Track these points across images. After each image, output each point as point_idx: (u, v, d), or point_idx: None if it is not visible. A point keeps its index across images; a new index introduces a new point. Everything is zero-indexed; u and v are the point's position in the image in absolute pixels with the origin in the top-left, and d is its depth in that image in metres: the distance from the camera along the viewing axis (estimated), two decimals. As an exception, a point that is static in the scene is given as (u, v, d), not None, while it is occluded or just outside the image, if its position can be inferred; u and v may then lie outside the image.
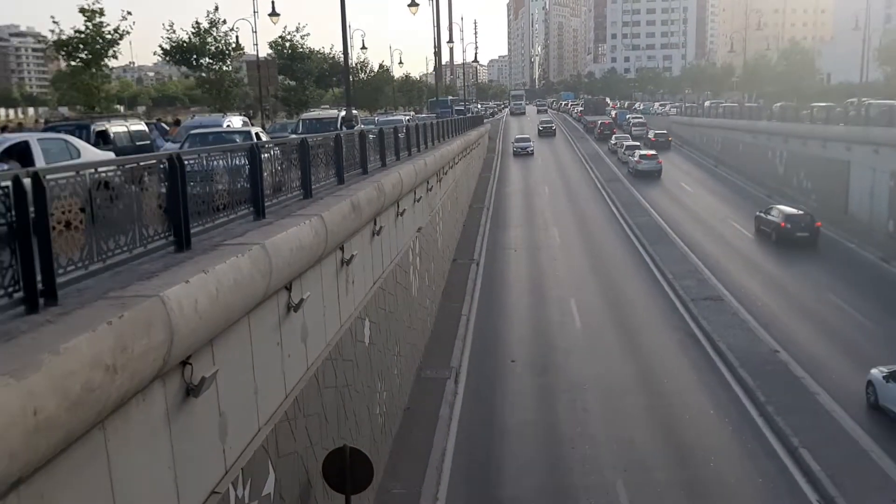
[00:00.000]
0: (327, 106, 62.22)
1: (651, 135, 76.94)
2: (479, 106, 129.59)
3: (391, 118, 47.27)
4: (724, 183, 55.93)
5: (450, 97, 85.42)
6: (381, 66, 78.90)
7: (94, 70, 27.53)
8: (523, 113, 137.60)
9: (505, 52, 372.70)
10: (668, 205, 47.67)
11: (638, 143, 68.58)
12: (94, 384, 5.18)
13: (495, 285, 31.93)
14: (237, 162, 9.95)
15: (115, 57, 27.86)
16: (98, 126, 19.18)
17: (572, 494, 16.25)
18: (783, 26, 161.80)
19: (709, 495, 16.01)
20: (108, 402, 5.42)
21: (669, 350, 24.16)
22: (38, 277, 5.69)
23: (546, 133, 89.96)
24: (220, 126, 24.49)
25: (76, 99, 31.47)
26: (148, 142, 21.05)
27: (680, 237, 38.60)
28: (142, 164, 7.57)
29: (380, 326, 16.61)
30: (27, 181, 5.60)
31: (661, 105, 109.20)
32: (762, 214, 38.69)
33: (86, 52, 27.12)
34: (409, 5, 41.67)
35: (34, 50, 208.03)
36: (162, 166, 7.79)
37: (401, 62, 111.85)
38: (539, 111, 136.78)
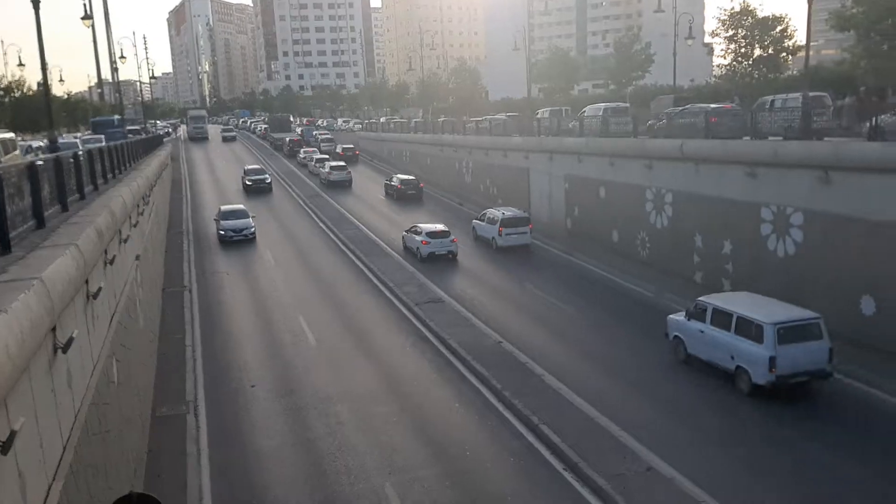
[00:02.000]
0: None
1: (339, 149, 79.60)
2: (161, 124, 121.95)
3: (64, 141, 42.72)
4: (438, 203, 58.93)
5: (116, 116, 79.21)
6: (39, 84, 70.96)
7: None
8: (206, 138, 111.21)
9: (168, 68, 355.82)
10: (372, 216, 49.32)
11: (327, 156, 71.36)
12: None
13: (215, 312, 30.45)
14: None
15: None
16: None
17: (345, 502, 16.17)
18: (443, 47, 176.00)
19: (471, 482, 16.88)
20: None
21: (406, 353, 25.02)
22: None
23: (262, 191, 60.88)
24: None
25: None
26: None
27: (391, 247, 40.06)
28: None
29: (123, 365, 15.04)
30: None
31: (344, 122, 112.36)
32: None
33: None
34: (82, 18, 38.26)
35: None
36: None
37: (62, 80, 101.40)
38: (226, 137, 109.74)
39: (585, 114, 43.27)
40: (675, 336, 23.02)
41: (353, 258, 38.52)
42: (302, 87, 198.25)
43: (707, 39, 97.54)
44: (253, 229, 42.82)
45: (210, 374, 23.85)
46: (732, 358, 20.65)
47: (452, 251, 37.25)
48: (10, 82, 59.79)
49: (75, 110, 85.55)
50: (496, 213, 39.71)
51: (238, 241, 42.26)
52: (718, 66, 59.88)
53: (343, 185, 62.36)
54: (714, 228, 29.03)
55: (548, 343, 25.37)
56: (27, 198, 10.85)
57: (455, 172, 57.33)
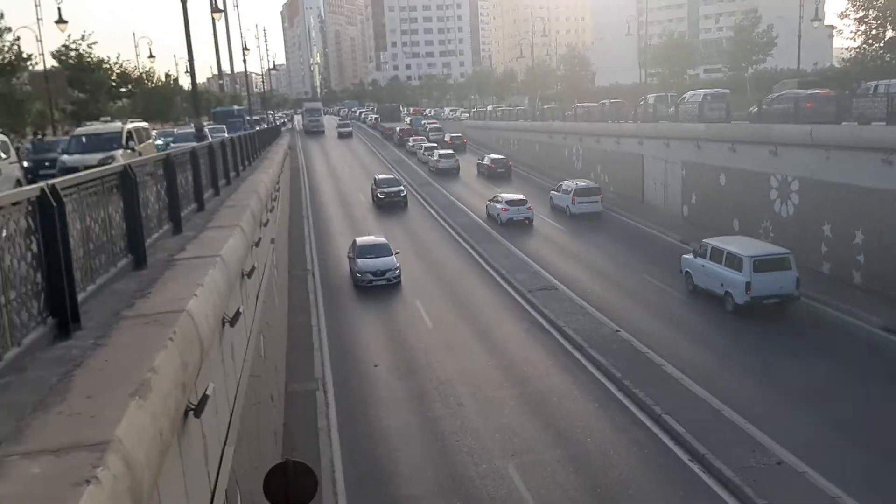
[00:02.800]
0: (108, 119, 57.82)
1: (447, 138, 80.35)
2: (280, 114, 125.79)
3: (192, 130, 44.96)
4: (526, 181, 59.32)
5: (236, 106, 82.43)
6: (167, 75, 75.00)
7: None
8: (322, 132, 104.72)
9: (282, 60, 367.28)
10: (481, 204, 49.65)
11: (436, 145, 72.22)
12: (178, 403, 4.75)
13: (336, 295, 31.58)
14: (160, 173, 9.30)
15: None
16: None
17: (468, 484, 16.61)
18: (550, 33, 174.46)
19: (594, 468, 17.01)
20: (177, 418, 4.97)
21: (521, 339, 25.28)
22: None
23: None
24: None
25: None
26: None
27: (501, 235, 40.30)
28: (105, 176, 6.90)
29: (265, 340, 15.99)
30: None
31: (451, 110, 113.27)
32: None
33: None
34: (212, 11, 40.19)
35: None
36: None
37: (187, 71, 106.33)
38: (342, 133, 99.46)
39: (686, 100, 42.63)
40: (686, 271, 28.59)
41: (464, 244, 38.99)
42: (409, 77, 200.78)
43: (829, 21, 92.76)
44: (398, 271, 31.89)
45: (335, 353, 24.86)
46: (722, 285, 26.15)
47: (529, 217, 42.13)
48: (142, 73, 63.27)
49: (199, 100, 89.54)
50: (570, 184, 44.75)
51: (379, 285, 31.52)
52: (847, 48, 56.61)
53: (451, 173, 63.12)
54: (845, 217, 27.81)
55: (665, 332, 25.04)
56: (190, 182, 11.72)
57: (565, 160, 57.00)
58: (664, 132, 41.05)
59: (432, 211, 48.52)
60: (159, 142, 35.56)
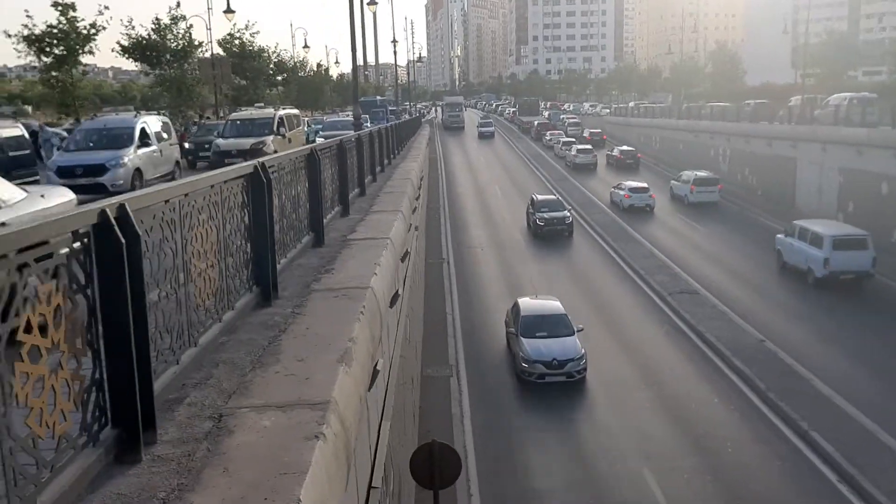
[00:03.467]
0: (262, 105, 60.74)
1: (586, 133, 79.32)
2: (421, 105, 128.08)
3: (339, 119, 46.55)
4: (654, 173, 58.04)
5: (378, 97, 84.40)
6: (318, 65, 78.03)
7: (68, 67, 25.98)
8: (462, 128, 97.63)
9: (424, 52, 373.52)
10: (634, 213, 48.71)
11: (574, 140, 71.42)
12: (368, 373, 5.04)
13: (470, 284, 31.97)
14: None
15: (91, 53, 26.37)
16: None
17: (601, 483, 16.48)
18: (699, 30, 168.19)
19: (734, 479, 16.45)
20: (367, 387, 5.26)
21: (659, 343, 24.70)
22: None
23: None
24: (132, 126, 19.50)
25: (50, 97, 29.38)
26: (27, 151, 16.84)
27: (639, 233, 39.47)
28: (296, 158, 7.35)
29: (412, 323, 16.46)
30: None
31: (591, 106, 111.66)
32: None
33: (61, 47, 25.63)
34: (368, 3, 41.43)
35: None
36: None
37: (337, 61, 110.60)
38: (483, 134, 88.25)
39: (829, 103, 40.46)
40: (778, 249, 31.99)
41: (602, 242, 38.38)
42: (548, 72, 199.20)
43: None
44: (584, 361, 21.48)
45: (468, 341, 25.20)
46: (805, 261, 29.37)
47: (650, 204, 44.55)
48: (296, 62, 66.14)
49: (346, 90, 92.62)
50: (690, 174, 47.42)
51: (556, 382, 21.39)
52: None
53: (588, 168, 62.16)
54: None
55: (814, 345, 23.76)
56: (355, 168, 12.22)
57: (710, 160, 54.89)
58: (821, 136, 38.80)
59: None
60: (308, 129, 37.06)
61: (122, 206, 3.04)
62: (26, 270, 2.40)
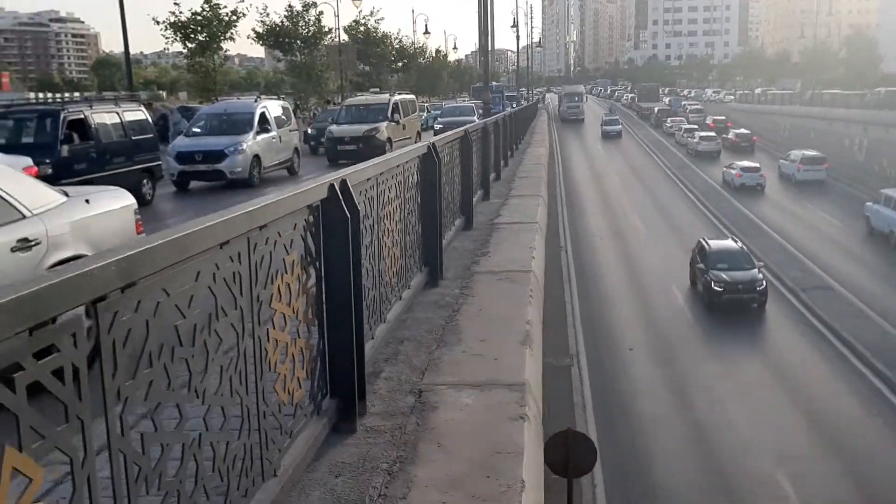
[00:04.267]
0: (377, 90, 61.39)
1: (709, 120, 76.36)
2: (538, 92, 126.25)
3: (457, 105, 46.46)
4: (769, 155, 55.56)
5: (494, 83, 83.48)
6: (437, 51, 78.40)
7: (210, 53, 27.21)
8: (581, 120, 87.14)
9: (536, 38, 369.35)
10: (744, 193, 46.82)
11: (696, 126, 69.13)
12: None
13: (588, 273, 31.48)
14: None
15: (231, 39, 27.52)
16: (72, 114, 13.82)
17: (733, 484, 15.91)
18: (829, 14, 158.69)
19: (878, 488, 15.54)
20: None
21: (792, 341, 23.60)
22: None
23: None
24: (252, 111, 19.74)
25: (195, 83, 30.88)
26: (150, 135, 16.33)
27: (771, 227, 37.74)
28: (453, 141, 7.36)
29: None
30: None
31: (714, 92, 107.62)
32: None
33: (204, 34, 26.83)
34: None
35: (73, 35, 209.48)
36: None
37: (455, 47, 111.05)
38: (608, 133, 73.69)
39: None
40: (866, 215, 34.07)
41: (725, 232, 36.89)
42: (668, 57, 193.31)
43: None
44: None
45: (587, 330, 24.80)
46: (888, 225, 31.81)
47: (761, 184, 46.05)
48: (416, 49, 66.54)
49: (463, 76, 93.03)
50: (797, 153, 49.19)
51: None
52: None
53: (712, 156, 59.82)
54: None
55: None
56: (491, 153, 12.18)
57: (845, 149, 51.80)
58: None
59: (692, 197, 46.53)
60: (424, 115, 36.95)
61: (343, 182, 3.08)
62: (278, 242, 2.47)
